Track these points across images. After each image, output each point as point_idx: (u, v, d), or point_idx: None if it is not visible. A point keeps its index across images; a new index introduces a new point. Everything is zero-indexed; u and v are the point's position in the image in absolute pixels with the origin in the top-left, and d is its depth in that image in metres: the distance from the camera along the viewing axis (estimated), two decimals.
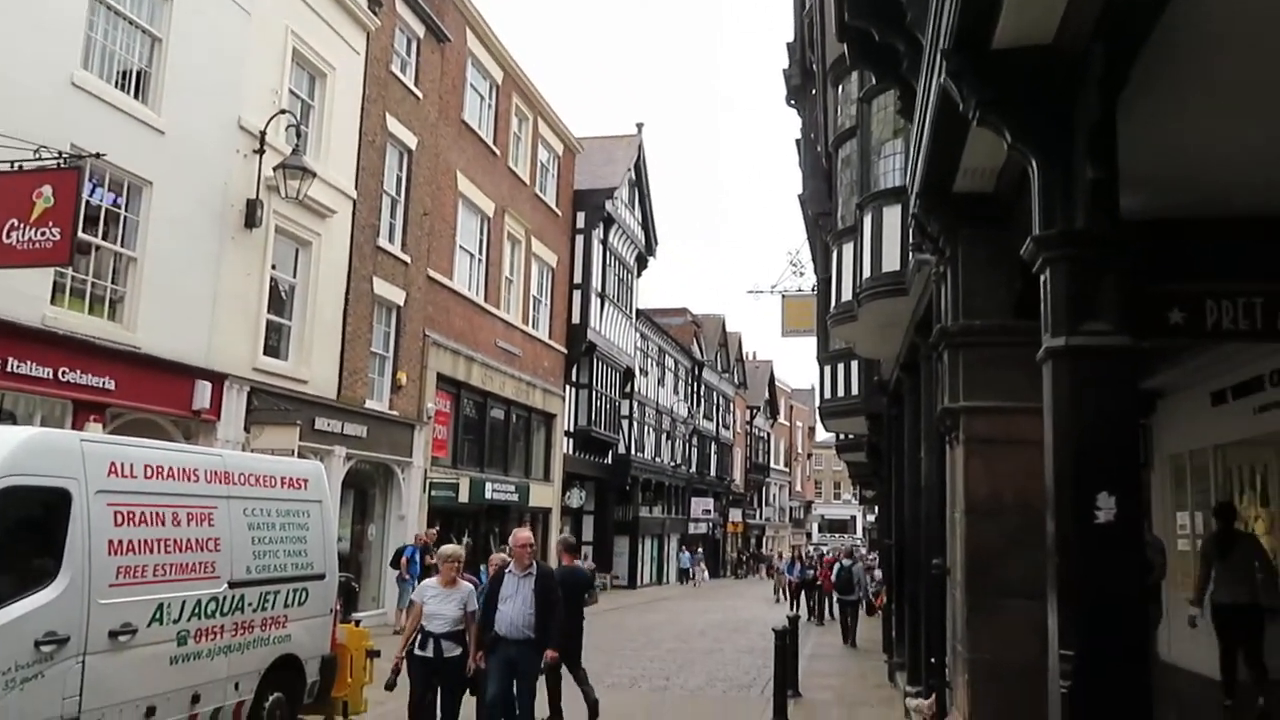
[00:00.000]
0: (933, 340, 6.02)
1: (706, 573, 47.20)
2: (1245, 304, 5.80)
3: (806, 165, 14.53)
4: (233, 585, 7.41)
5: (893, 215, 8.29)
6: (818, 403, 15.65)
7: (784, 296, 19.67)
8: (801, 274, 19.59)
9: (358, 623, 10.39)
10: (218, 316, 13.48)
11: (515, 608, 7.51)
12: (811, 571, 25.66)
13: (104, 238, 11.77)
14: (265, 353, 14.70)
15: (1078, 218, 3.68)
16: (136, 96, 12.28)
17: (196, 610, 7.04)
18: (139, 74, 12.36)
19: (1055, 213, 3.76)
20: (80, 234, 11.09)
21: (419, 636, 7.64)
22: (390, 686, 7.83)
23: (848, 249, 9.65)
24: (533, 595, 7.53)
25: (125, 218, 12.09)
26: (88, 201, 11.41)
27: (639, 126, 33.35)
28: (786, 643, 9.60)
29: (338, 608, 9.05)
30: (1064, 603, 3.54)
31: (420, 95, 19.49)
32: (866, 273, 8.61)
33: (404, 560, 16.86)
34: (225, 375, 13.47)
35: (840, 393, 14.62)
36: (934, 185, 5.43)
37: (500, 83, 23.77)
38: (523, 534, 8.02)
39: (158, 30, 12.52)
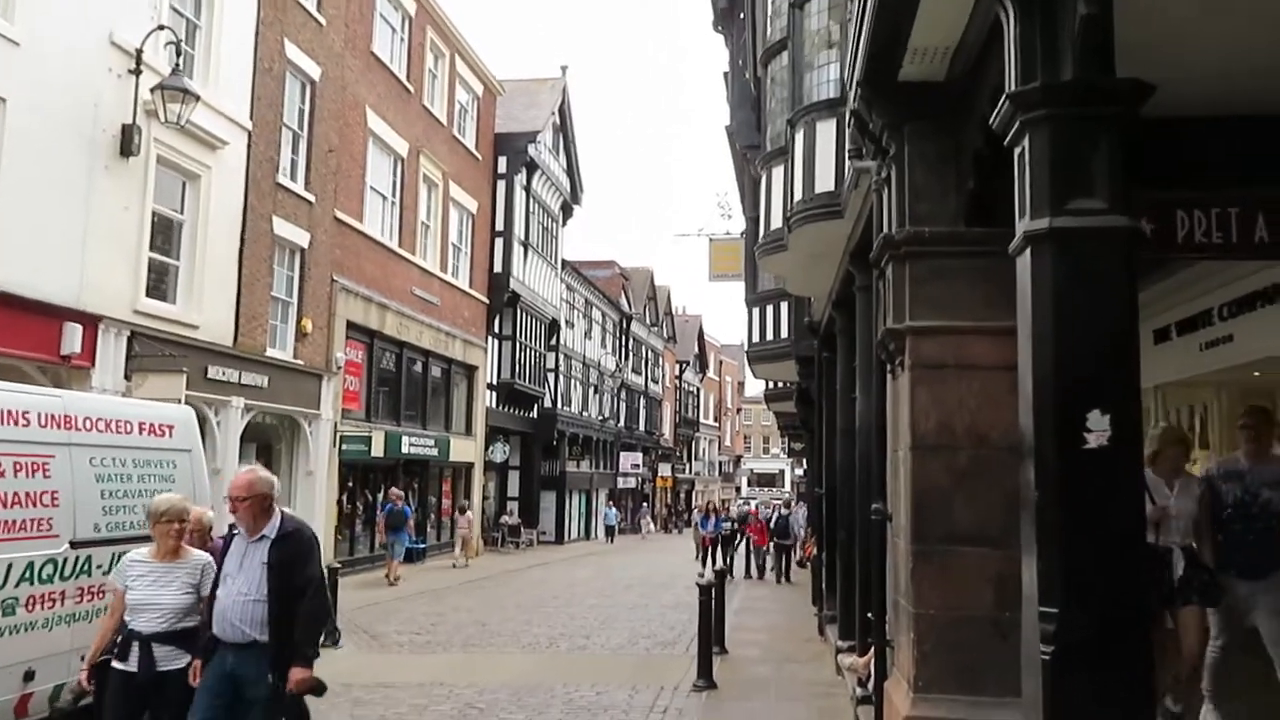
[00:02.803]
0: (874, 254, 5.29)
1: (654, 524, 46.87)
2: (1219, 215, 5.19)
3: (734, 95, 13.70)
4: (75, 545, 6.43)
5: (827, 131, 7.53)
6: (745, 347, 15.03)
7: (710, 239, 18.92)
8: (729, 216, 18.91)
9: None
10: (90, 253, 12.20)
11: (233, 592, 4.74)
12: (730, 524, 24.60)
13: None
14: (149, 294, 13.44)
15: (1065, 66, 2.94)
16: None
17: (28, 574, 6.06)
18: None
19: (1035, 64, 3.01)
20: None
21: (118, 640, 5.08)
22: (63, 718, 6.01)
23: (778, 173, 8.88)
24: (263, 572, 4.71)
25: None
26: None
27: (563, 69, 32.11)
28: (711, 598, 8.93)
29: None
30: (1045, 549, 2.83)
31: (323, 22, 18.11)
32: (798, 195, 7.86)
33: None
34: (100, 317, 12.23)
35: (769, 337, 13.96)
36: (878, 72, 4.67)
37: (414, 15, 22.37)
38: (242, 476, 4.94)
39: None
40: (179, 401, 12.66)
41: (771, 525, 22.09)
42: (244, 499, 4.83)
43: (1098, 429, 2.77)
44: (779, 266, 9.91)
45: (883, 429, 5.88)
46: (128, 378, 12.72)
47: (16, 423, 6.15)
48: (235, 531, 4.98)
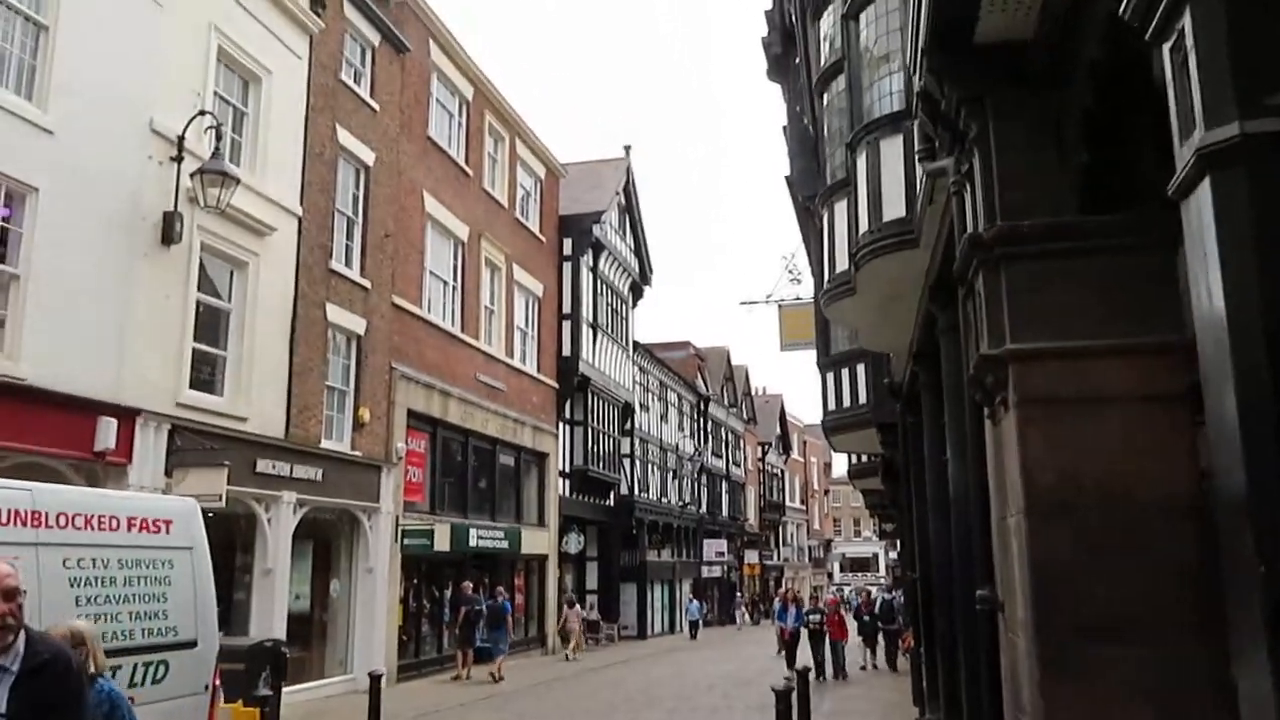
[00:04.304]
0: (958, 264, 4.20)
1: (748, 615, 44.78)
2: None
3: (793, 144, 12.84)
4: None
5: (893, 149, 6.52)
6: (820, 416, 13.81)
7: (780, 306, 17.88)
8: (798, 280, 17.82)
9: (263, 701, 8.49)
10: (128, 344, 11.75)
11: None
12: (817, 616, 21.46)
13: None
14: (193, 386, 12.94)
15: None
16: (19, 91, 10.67)
17: None
18: (21, 65, 10.75)
19: None
20: None
21: None
22: None
23: (840, 208, 7.85)
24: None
25: (5, 229, 10.43)
26: None
27: (626, 149, 31.86)
28: (791, 705, 7.63)
29: (217, 683, 7.17)
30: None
31: (377, 108, 17.94)
32: (864, 226, 6.81)
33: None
34: (138, 411, 11.71)
35: (846, 403, 12.73)
36: (949, 32, 3.69)
37: (471, 99, 22.25)
38: None
39: (43, 17, 10.95)
40: (219, 498, 12.04)
41: (876, 610, 20.64)
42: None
43: None
44: (848, 315, 8.78)
45: (984, 493, 4.69)
46: (168, 474, 12.14)
47: None
48: None
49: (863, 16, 6.97)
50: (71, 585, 5.90)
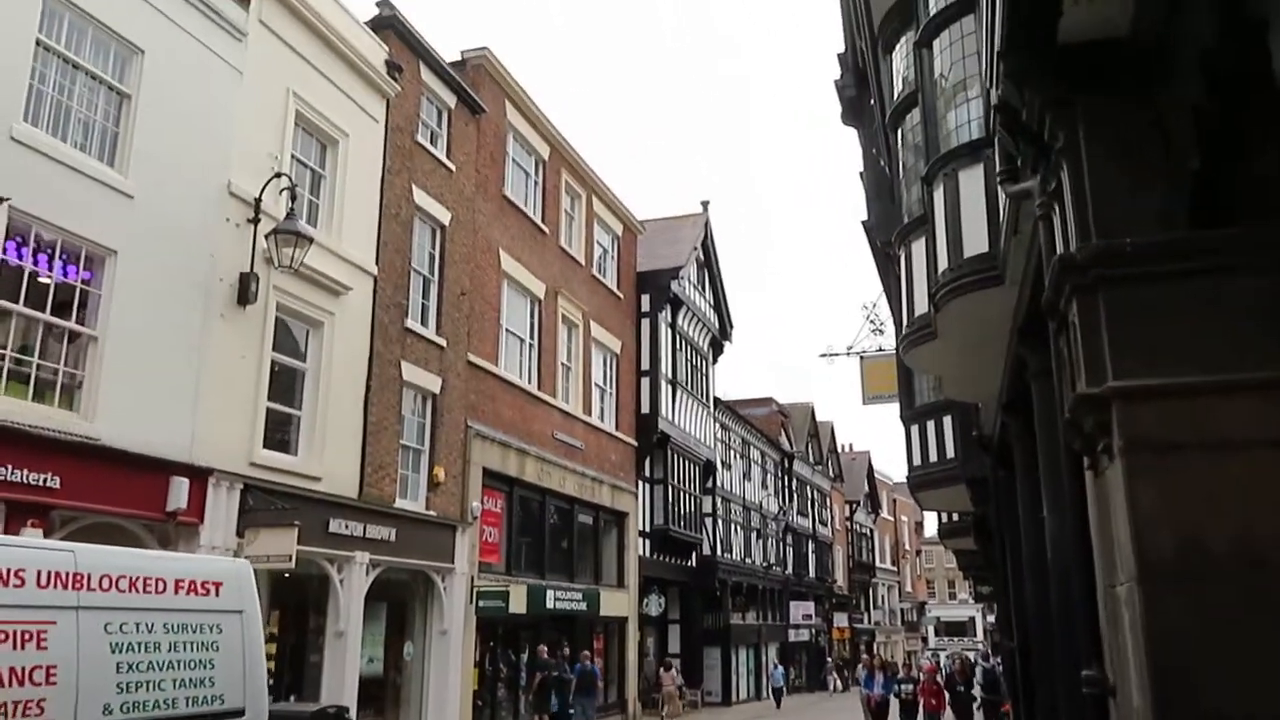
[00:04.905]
0: (1048, 293, 3.69)
1: (839, 681, 43.23)
2: None
3: (870, 188, 12.40)
4: None
5: (972, 180, 6.05)
6: (906, 472, 13.09)
7: (862, 358, 17.24)
8: (881, 331, 17.17)
9: None
10: (203, 404, 11.81)
11: None
12: (910, 685, 20.05)
13: (55, 313, 10.26)
14: (267, 445, 12.95)
15: None
16: (101, 157, 10.94)
17: None
18: (104, 132, 11.04)
19: None
20: (21, 308, 9.75)
21: None
22: None
23: (918, 248, 7.36)
24: None
25: (85, 291, 10.61)
26: (33, 272, 10.02)
27: (704, 205, 31.67)
28: None
29: None
30: None
31: (453, 168, 18.11)
32: (943, 264, 6.32)
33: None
34: (210, 471, 11.70)
35: (933, 458, 12.01)
36: (1030, 30, 3.25)
37: (547, 158, 22.39)
38: None
39: (126, 86, 11.25)
40: (290, 559, 11.93)
41: (977, 677, 19.27)
42: None
43: None
44: (930, 362, 8.22)
45: (1086, 555, 4.12)
46: (240, 534, 12.08)
47: (6, 583, 5.21)
48: None
49: (936, 43, 6.55)
50: (113, 651, 5.68)
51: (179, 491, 11.16)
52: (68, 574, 5.60)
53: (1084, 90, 3.42)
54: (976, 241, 6.02)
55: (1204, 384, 3.08)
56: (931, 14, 6.54)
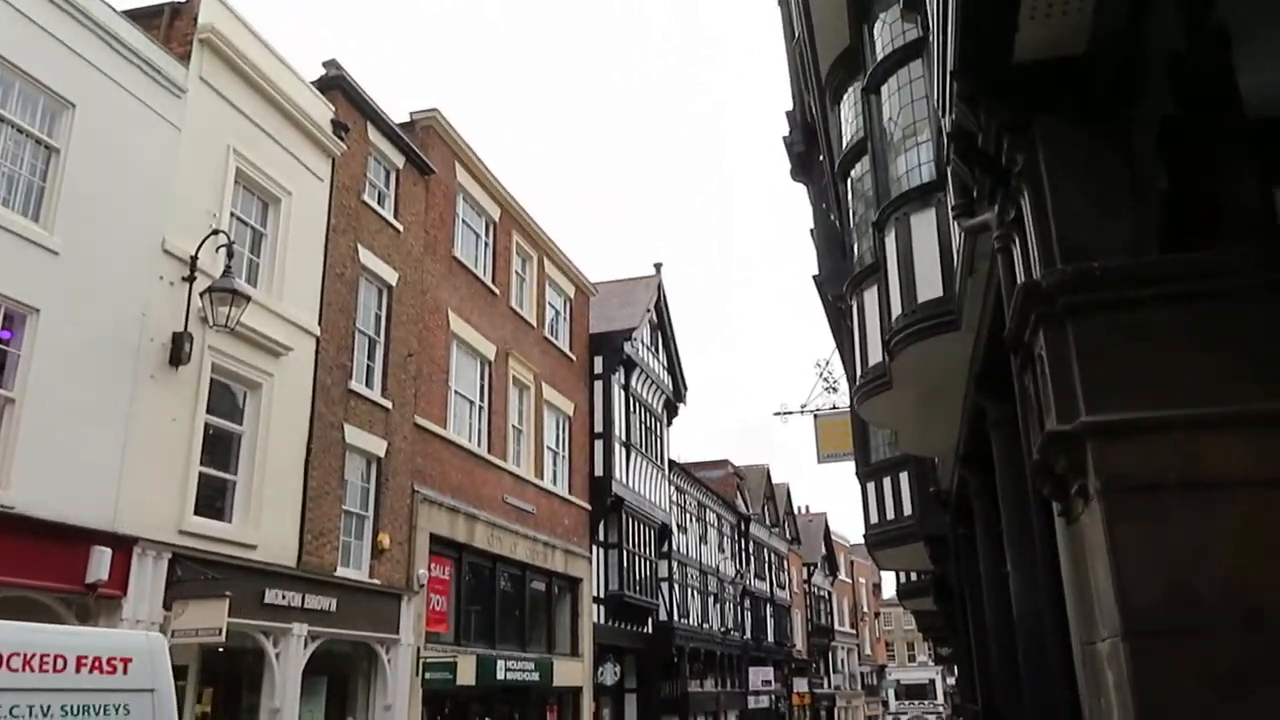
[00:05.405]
0: (1011, 326, 3.46)
1: None
2: None
3: (821, 242, 12.33)
4: None
5: (924, 223, 5.90)
6: (863, 531, 12.83)
7: (816, 416, 17.08)
8: (834, 389, 17.04)
9: None
10: (129, 469, 11.22)
11: None
12: None
13: None
14: (199, 512, 12.32)
15: None
16: (25, 212, 10.50)
17: None
18: (29, 186, 10.61)
19: None
20: None
21: None
22: None
23: (870, 296, 7.18)
24: None
25: (3, 352, 10.08)
26: None
27: (657, 267, 31.68)
28: None
29: None
30: None
31: (401, 228, 17.82)
32: (897, 310, 6.14)
33: None
34: (135, 540, 11.07)
35: (890, 515, 11.76)
36: (983, 47, 3.06)
37: (497, 219, 22.21)
38: None
39: (55, 140, 10.87)
40: (219, 632, 11.30)
41: None
42: None
43: None
44: (886, 413, 7.99)
45: (1060, 611, 3.84)
46: (167, 607, 11.41)
47: None
48: None
49: (884, 89, 6.47)
50: None
51: (100, 562, 10.51)
52: None
53: (1043, 109, 3.25)
54: (930, 286, 5.85)
55: (1188, 417, 2.84)
56: (879, 59, 6.46)
